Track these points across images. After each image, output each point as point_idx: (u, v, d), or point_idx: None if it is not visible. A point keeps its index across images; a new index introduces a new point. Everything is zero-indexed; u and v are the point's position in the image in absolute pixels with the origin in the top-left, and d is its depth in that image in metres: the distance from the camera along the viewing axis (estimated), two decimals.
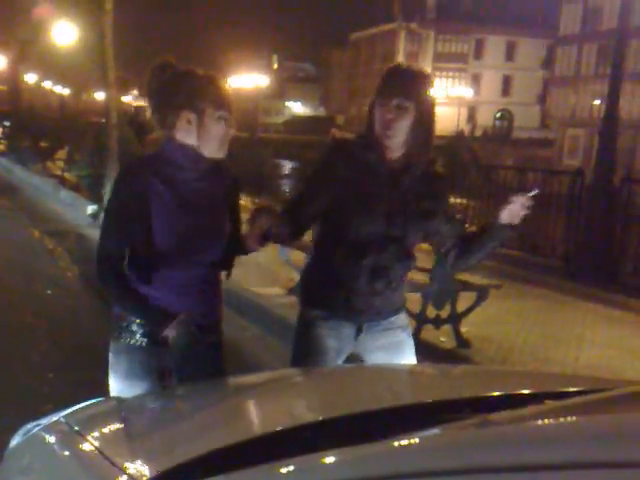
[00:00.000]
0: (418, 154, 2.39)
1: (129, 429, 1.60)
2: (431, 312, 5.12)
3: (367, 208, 2.37)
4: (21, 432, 1.72)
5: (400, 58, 60.39)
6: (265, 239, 2.24)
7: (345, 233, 2.41)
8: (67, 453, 1.49)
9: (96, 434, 1.55)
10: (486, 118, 56.83)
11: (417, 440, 1.29)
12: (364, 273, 2.40)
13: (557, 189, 8.56)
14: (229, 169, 2.33)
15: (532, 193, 2.31)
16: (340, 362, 2.51)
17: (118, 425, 1.65)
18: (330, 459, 1.22)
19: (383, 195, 2.37)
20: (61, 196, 12.95)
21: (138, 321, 2.25)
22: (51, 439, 1.58)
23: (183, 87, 2.17)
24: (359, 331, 2.49)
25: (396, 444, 1.26)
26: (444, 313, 5.16)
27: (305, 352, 2.50)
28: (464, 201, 10.98)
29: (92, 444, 1.48)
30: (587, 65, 46.77)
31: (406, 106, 2.32)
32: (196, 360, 2.30)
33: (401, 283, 2.52)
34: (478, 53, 60.46)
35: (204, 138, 2.17)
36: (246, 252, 2.34)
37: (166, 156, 2.20)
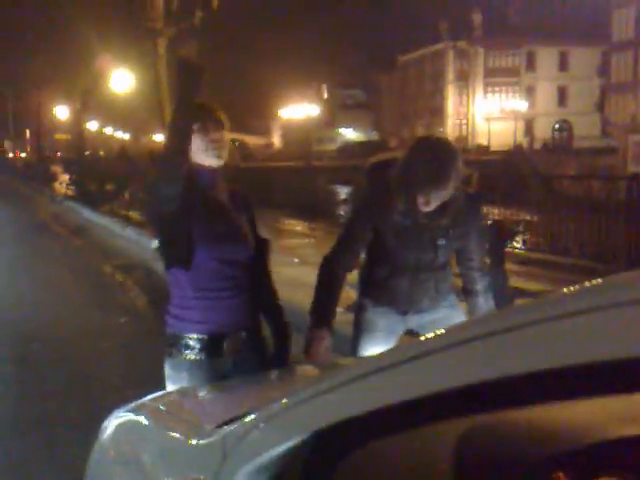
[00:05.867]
0: (452, 199, 2.49)
1: (210, 407, 1.70)
2: None
3: (398, 251, 2.66)
4: (112, 416, 1.85)
5: (450, 76, 60.33)
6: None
7: (385, 256, 2.73)
8: (158, 427, 1.60)
9: (180, 410, 1.67)
10: (544, 130, 55.87)
11: None
12: (403, 286, 2.72)
13: (617, 195, 8.43)
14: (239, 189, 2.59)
15: None
16: (393, 338, 2.80)
17: (200, 403, 1.76)
18: None
19: (413, 241, 2.61)
20: (127, 233, 13.38)
21: (195, 337, 2.42)
22: (141, 417, 1.70)
23: None
24: (405, 313, 2.79)
25: None
26: None
27: (358, 332, 2.87)
28: (526, 217, 10.73)
29: (179, 417, 1.59)
30: None
31: (443, 194, 2.43)
32: (243, 363, 2.46)
33: (443, 287, 2.77)
34: (530, 65, 59.72)
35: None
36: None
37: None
